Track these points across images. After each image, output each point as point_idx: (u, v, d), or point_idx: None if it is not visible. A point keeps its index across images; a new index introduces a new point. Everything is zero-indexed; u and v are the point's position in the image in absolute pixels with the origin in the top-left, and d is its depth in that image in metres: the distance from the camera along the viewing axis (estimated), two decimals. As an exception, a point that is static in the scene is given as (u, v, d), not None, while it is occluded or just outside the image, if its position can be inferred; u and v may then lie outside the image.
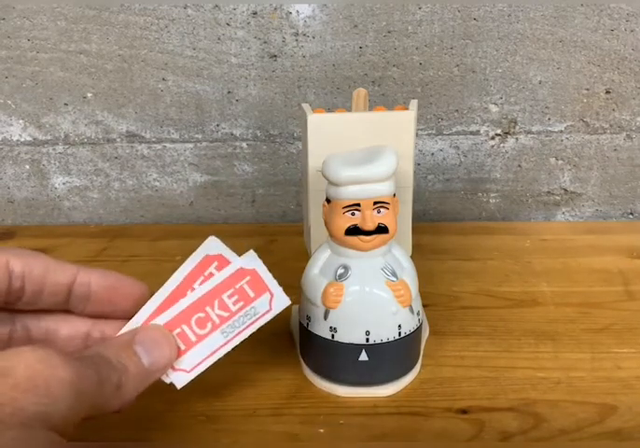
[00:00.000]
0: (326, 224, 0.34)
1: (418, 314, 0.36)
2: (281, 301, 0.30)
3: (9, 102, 0.59)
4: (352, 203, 0.33)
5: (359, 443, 0.32)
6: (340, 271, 0.34)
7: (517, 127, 0.58)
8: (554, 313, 0.44)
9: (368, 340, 0.35)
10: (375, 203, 0.33)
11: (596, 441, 0.32)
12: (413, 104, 0.38)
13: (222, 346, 0.30)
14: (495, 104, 0.57)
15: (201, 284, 0.30)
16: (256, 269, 0.31)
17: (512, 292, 0.47)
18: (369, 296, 0.34)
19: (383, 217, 0.33)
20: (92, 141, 0.60)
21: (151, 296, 0.30)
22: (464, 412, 0.35)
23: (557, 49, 0.55)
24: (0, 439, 0.20)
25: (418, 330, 0.36)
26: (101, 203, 0.63)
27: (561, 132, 0.58)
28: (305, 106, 0.38)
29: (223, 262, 0.30)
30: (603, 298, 0.46)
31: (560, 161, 0.60)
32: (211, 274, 0.30)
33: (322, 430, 0.33)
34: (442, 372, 0.38)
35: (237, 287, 0.30)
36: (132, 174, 0.61)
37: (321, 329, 0.35)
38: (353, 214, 0.33)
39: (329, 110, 0.38)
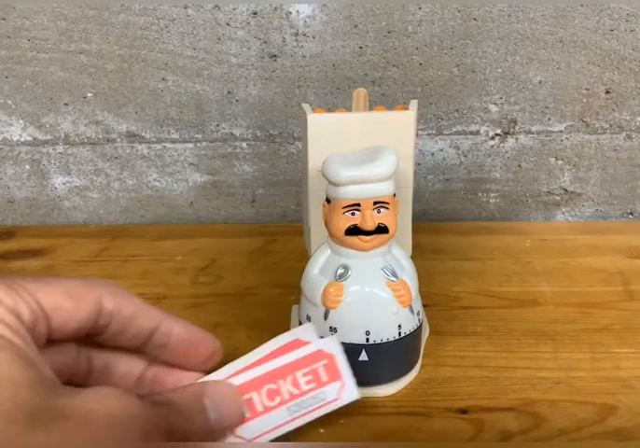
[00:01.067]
0: (326, 224, 0.34)
1: (418, 314, 0.36)
2: (350, 392, 0.30)
3: (9, 102, 0.59)
4: (352, 203, 0.33)
5: (359, 443, 0.32)
6: (340, 271, 0.34)
7: (517, 127, 0.58)
8: (554, 313, 0.44)
9: (368, 340, 0.35)
10: (375, 202, 0.33)
11: (596, 441, 0.32)
12: (413, 104, 0.38)
13: (285, 424, 0.30)
14: (495, 104, 0.57)
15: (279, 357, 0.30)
16: (334, 354, 0.31)
17: (512, 292, 0.47)
18: (370, 296, 0.34)
19: (383, 217, 0.33)
20: (92, 141, 0.60)
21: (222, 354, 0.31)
22: (464, 411, 0.35)
23: (557, 48, 0.55)
24: None
25: (418, 330, 0.36)
26: (101, 203, 0.63)
27: (561, 132, 0.58)
28: (305, 106, 0.38)
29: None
30: (603, 298, 0.46)
31: (560, 161, 0.60)
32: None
33: (322, 430, 0.33)
34: (442, 372, 0.38)
35: (312, 367, 0.30)
36: (132, 174, 0.61)
37: (321, 329, 0.35)
38: (353, 214, 0.33)
39: (329, 110, 0.38)
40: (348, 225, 0.33)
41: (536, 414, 0.34)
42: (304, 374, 0.30)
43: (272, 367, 0.30)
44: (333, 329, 0.35)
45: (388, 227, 0.33)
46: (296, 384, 0.30)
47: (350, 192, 0.33)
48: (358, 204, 0.33)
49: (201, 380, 0.29)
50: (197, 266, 0.52)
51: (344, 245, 0.34)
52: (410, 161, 0.39)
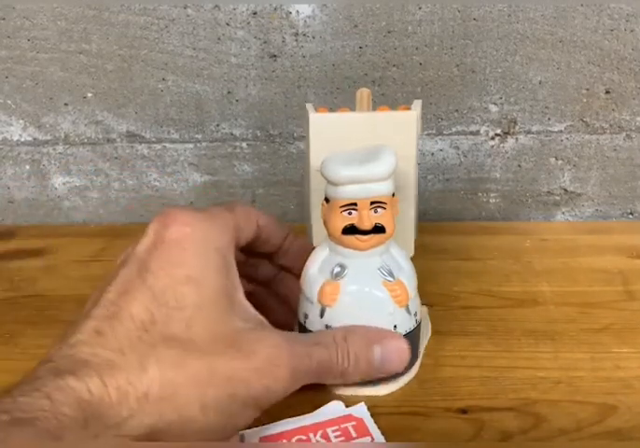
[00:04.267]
0: (324, 223, 0.34)
1: (415, 314, 0.36)
2: None
3: (9, 102, 0.59)
4: (349, 202, 0.33)
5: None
6: (337, 269, 0.34)
7: (517, 127, 0.58)
8: (554, 313, 0.44)
9: None
10: (372, 202, 0.33)
11: (596, 441, 0.32)
12: (417, 104, 0.38)
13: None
14: (495, 104, 0.57)
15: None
16: (363, 419, 0.33)
17: (512, 292, 0.47)
18: (365, 295, 0.34)
19: (380, 217, 0.33)
20: (92, 141, 0.60)
21: None
22: (464, 411, 0.35)
23: (557, 48, 0.55)
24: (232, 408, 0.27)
25: (415, 331, 0.36)
26: (101, 203, 0.63)
27: (561, 132, 0.58)
28: (308, 106, 0.38)
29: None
30: (603, 298, 0.46)
31: (560, 161, 0.60)
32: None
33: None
34: (442, 372, 0.38)
35: (342, 426, 0.32)
36: (132, 174, 0.61)
37: (317, 327, 0.35)
38: (350, 213, 0.33)
39: (332, 110, 0.38)
40: (345, 224, 0.33)
41: (536, 414, 0.34)
42: (334, 431, 0.32)
43: (302, 423, 0.32)
44: (329, 328, 0.35)
45: (385, 227, 0.33)
46: (325, 437, 0.31)
47: (347, 192, 0.33)
48: (355, 204, 0.33)
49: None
50: (197, 266, 0.52)
51: (342, 244, 0.34)
52: (413, 162, 0.38)
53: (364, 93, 0.37)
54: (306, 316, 0.36)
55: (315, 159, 0.37)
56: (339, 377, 0.32)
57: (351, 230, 0.33)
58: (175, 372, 0.26)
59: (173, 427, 0.26)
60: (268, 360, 0.28)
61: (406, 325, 0.35)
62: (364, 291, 0.34)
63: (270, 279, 0.39)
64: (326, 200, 0.34)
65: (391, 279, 0.34)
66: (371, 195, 0.33)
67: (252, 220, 0.35)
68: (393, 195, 0.34)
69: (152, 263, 0.29)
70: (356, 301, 0.34)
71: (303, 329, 0.36)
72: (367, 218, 0.33)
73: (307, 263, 0.36)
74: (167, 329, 0.27)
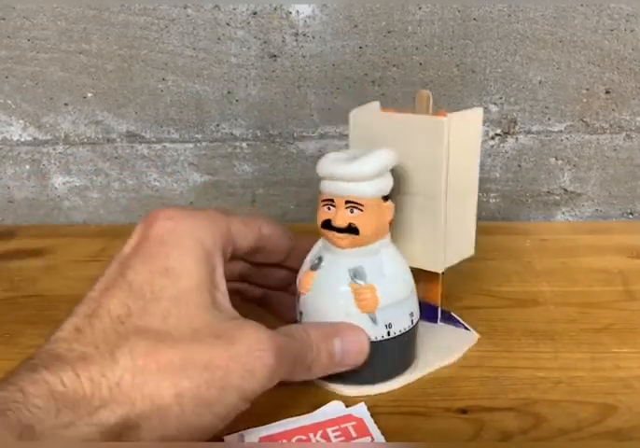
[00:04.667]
0: None
1: (389, 326, 0.35)
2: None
3: (9, 102, 0.59)
4: (328, 197, 0.33)
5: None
6: (315, 261, 0.35)
7: (517, 127, 0.58)
8: (554, 313, 0.44)
9: None
10: (347, 202, 0.33)
11: (596, 441, 0.32)
12: (476, 112, 0.37)
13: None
14: (495, 104, 0.57)
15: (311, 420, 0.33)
16: (363, 419, 0.33)
17: (512, 292, 0.47)
18: (327, 291, 0.34)
19: (356, 218, 0.33)
20: (92, 141, 0.60)
21: None
22: (464, 411, 0.35)
23: (557, 48, 0.55)
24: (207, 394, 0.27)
25: (380, 345, 0.35)
26: (101, 203, 0.63)
27: (560, 131, 0.58)
28: (373, 104, 0.38)
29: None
30: (603, 298, 0.46)
31: (560, 161, 0.60)
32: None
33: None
34: (442, 372, 0.38)
35: (342, 426, 0.32)
36: (132, 174, 0.61)
37: (296, 312, 0.36)
38: (329, 208, 0.33)
39: (399, 110, 0.37)
40: (324, 218, 0.33)
41: (536, 414, 0.34)
42: (334, 431, 0.32)
43: (302, 423, 0.32)
44: (302, 314, 0.35)
45: (359, 229, 0.33)
46: (325, 437, 0.31)
47: (325, 186, 0.33)
48: (333, 200, 0.33)
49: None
50: (197, 266, 0.52)
51: (325, 238, 0.34)
52: (441, 171, 0.36)
53: (422, 95, 0.37)
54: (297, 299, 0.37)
55: None
56: (306, 371, 0.32)
57: (329, 225, 0.33)
58: (147, 361, 0.26)
59: (147, 417, 0.26)
60: (251, 346, 0.28)
61: (369, 332, 0.34)
62: (326, 286, 0.34)
63: (285, 282, 0.39)
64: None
65: (361, 282, 0.34)
66: (344, 194, 0.33)
67: (252, 227, 0.34)
68: (387, 199, 0.34)
69: (134, 260, 0.30)
70: (320, 295, 0.35)
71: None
72: (339, 216, 0.33)
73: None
74: (142, 320, 0.27)
